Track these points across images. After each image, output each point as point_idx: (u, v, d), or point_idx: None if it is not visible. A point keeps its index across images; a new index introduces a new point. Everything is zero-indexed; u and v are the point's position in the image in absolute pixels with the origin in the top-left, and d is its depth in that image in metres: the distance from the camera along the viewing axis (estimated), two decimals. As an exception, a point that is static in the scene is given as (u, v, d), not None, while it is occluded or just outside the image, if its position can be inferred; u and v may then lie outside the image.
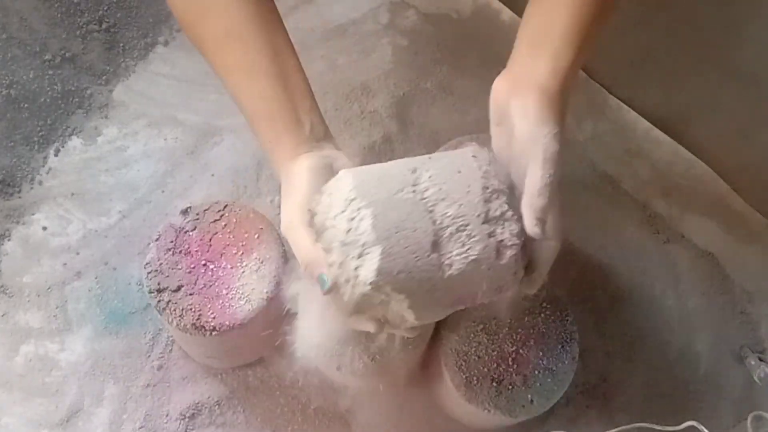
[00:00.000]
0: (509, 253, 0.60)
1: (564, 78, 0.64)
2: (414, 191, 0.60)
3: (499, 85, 0.67)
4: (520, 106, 0.63)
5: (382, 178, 0.62)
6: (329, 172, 0.66)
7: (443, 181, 0.61)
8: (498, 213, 0.61)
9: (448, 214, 0.60)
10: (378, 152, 1.04)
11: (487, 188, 0.61)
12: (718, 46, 0.95)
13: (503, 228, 0.61)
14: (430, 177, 0.61)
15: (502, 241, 0.60)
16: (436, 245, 0.59)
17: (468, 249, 0.60)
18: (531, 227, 0.60)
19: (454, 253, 0.60)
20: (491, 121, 0.69)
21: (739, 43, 0.93)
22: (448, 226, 0.60)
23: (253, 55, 0.67)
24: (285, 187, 0.66)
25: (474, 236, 0.60)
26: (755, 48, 0.92)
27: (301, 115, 0.68)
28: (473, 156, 0.63)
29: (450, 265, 0.59)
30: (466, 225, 0.60)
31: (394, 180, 0.62)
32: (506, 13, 1.15)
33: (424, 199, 0.60)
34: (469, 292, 0.61)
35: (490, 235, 0.60)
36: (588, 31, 0.65)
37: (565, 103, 0.64)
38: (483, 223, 0.60)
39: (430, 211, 0.60)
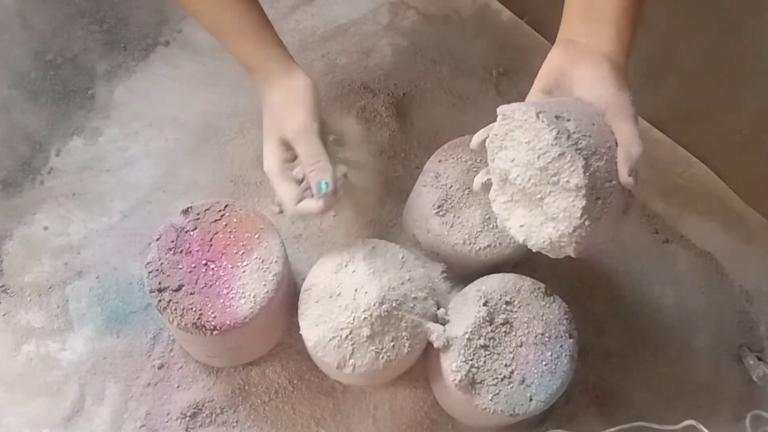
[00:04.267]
0: (630, 212, 0.69)
1: (628, 52, 0.70)
2: (569, 142, 0.64)
3: (556, 56, 0.71)
4: (593, 74, 0.68)
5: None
6: (314, 87, 0.81)
7: (588, 133, 0.65)
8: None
9: (600, 167, 0.65)
10: (378, 152, 1.05)
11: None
12: (717, 46, 0.95)
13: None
14: (576, 127, 0.65)
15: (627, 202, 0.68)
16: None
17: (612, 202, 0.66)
18: (625, 177, 0.65)
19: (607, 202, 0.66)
20: (536, 88, 0.72)
21: (739, 43, 0.93)
22: (600, 179, 0.65)
23: None
24: (284, 96, 0.79)
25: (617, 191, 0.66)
26: (755, 48, 0.92)
27: (276, 36, 0.83)
28: (580, 105, 0.68)
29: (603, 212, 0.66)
30: (612, 180, 0.65)
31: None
32: (506, 13, 1.15)
33: (579, 149, 0.64)
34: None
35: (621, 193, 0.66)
36: (637, 10, 0.69)
37: (628, 74, 0.70)
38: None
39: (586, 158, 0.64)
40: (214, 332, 0.80)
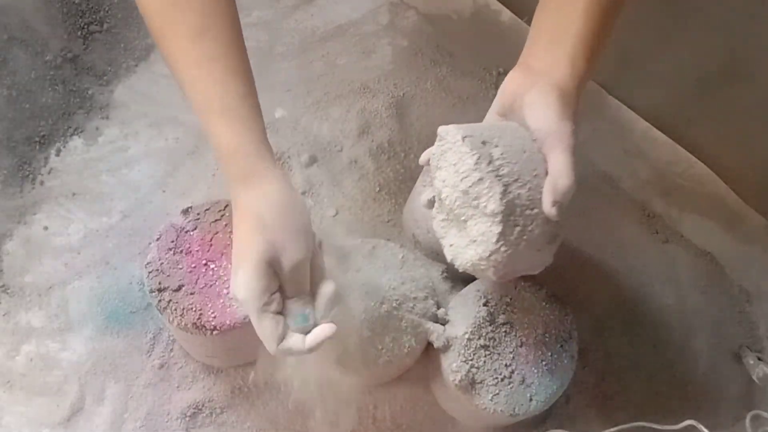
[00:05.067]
0: (559, 240, 0.69)
1: (580, 81, 0.68)
2: (489, 168, 0.65)
3: (513, 80, 0.70)
4: (540, 102, 0.66)
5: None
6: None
7: (515, 160, 0.65)
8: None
9: (521, 195, 0.65)
10: (378, 152, 1.05)
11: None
12: (717, 46, 0.95)
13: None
14: (502, 154, 0.65)
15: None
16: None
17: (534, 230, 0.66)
18: (548, 208, 0.65)
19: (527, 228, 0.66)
20: (493, 109, 0.72)
21: (739, 43, 0.93)
22: (519, 206, 0.65)
23: (234, 52, 0.67)
24: (279, 212, 0.65)
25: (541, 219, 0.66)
26: (755, 48, 0.92)
27: (264, 129, 0.68)
28: (519, 135, 0.68)
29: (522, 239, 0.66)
30: (534, 208, 0.66)
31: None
32: (506, 14, 1.15)
33: (500, 176, 0.64)
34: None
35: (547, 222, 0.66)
36: (603, 30, 0.68)
37: (578, 103, 0.68)
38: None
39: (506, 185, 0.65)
40: (214, 332, 0.80)
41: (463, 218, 0.68)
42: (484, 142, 0.65)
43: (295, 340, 0.65)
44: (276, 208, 0.65)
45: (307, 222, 0.66)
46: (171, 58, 0.67)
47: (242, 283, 0.64)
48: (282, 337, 0.65)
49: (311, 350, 0.65)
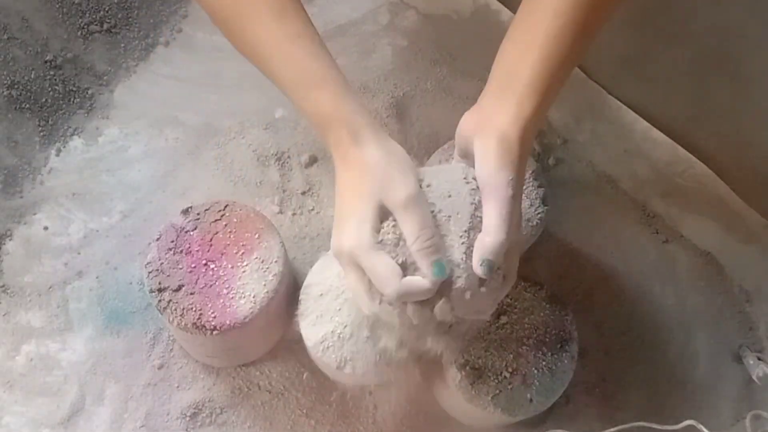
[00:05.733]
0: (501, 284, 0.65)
1: (525, 126, 0.65)
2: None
3: (466, 121, 0.68)
4: (481, 147, 0.64)
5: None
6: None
7: (438, 207, 0.64)
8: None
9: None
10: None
11: (476, 217, 0.64)
12: (717, 47, 0.95)
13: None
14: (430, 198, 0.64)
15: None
16: None
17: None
18: (476, 266, 0.62)
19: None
20: (456, 152, 0.70)
21: (739, 43, 0.93)
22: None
23: (311, 29, 0.70)
24: (385, 155, 0.64)
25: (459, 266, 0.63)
26: (755, 48, 0.92)
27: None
28: (464, 179, 0.66)
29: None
30: (451, 254, 0.63)
31: None
32: (506, 14, 1.15)
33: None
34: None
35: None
36: (556, 75, 0.66)
37: (525, 149, 0.65)
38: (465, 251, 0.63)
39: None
40: (214, 332, 0.80)
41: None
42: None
43: (417, 277, 0.61)
44: (380, 153, 0.64)
45: (413, 166, 0.65)
46: (255, 39, 0.68)
47: (348, 229, 0.62)
48: (402, 275, 0.60)
49: (432, 293, 0.61)
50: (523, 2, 0.69)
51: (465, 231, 0.63)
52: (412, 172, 0.64)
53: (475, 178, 0.65)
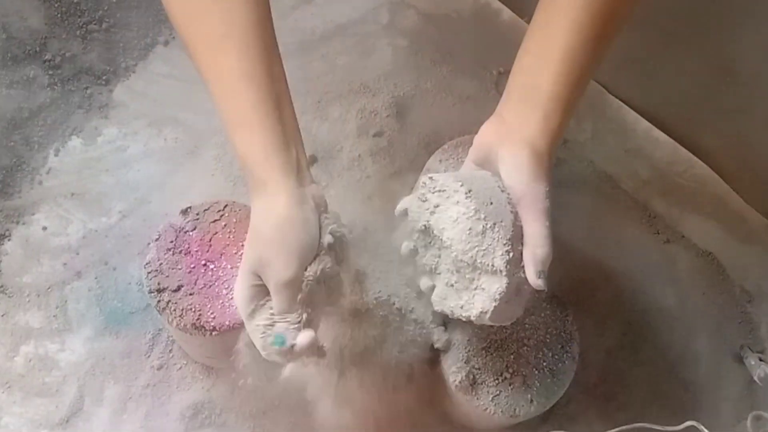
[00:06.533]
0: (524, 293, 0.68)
1: (553, 139, 0.66)
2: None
3: (487, 131, 0.69)
4: (511, 159, 0.66)
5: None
6: (316, 215, 0.66)
7: (483, 214, 0.65)
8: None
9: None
10: (378, 152, 1.04)
11: (516, 226, 0.66)
12: (718, 46, 0.95)
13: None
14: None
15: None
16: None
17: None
18: (534, 279, 0.64)
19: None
20: (469, 158, 0.71)
21: (739, 43, 0.93)
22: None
23: (250, 65, 0.65)
24: (270, 219, 0.65)
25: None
26: (755, 48, 0.92)
27: (289, 138, 0.66)
28: (499, 187, 0.67)
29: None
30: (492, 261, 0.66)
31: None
32: (506, 13, 1.15)
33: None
34: None
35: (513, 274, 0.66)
36: (578, 86, 0.67)
37: (552, 161, 0.67)
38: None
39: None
40: (214, 333, 0.79)
41: (459, 272, 0.68)
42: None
43: (277, 351, 0.66)
44: (272, 223, 0.64)
45: (308, 242, 0.65)
46: (197, 68, 0.67)
47: (236, 288, 0.69)
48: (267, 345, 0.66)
49: (287, 362, 0.68)
50: (538, 12, 0.69)
51: (509, 239, 0.65)
52: (296, 252, 0.64)
53: (504, 189, 0.67)
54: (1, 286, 0.95)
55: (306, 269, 0.65)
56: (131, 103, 1.07)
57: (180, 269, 0.81)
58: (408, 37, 1.14)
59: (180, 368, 0.93)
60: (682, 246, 1.05)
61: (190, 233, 0.83)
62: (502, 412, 0.79)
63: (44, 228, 0.99)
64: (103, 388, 0.91)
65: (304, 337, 0.65)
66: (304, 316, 0.66)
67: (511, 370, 0.80)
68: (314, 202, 0.67)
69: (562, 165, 1.07)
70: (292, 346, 0.65)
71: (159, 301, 0.80)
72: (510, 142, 0.66)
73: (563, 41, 0.66)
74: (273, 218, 0.64)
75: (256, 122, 0.65)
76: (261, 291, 0.66)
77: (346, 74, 1.10)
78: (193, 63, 0.68)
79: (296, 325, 0.65)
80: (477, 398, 0.79)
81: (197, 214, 0.84)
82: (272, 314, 0.66)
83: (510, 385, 0.80)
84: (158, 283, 0.80)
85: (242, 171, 0.68)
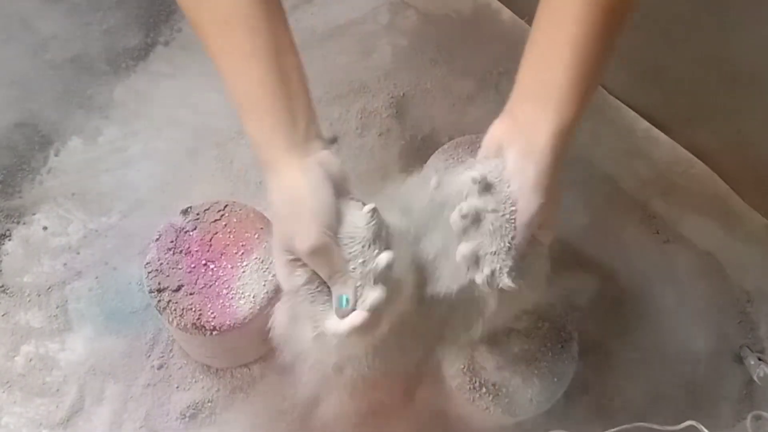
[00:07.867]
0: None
1: (564, 139, 0.66)
2: None
3: (498, 128, 0.69)
4: (516, 162, 0.66)
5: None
6: (326, 179, 0.65)
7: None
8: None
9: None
10: (378, 152, 1.04)
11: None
12: (717, 47, 0.95)
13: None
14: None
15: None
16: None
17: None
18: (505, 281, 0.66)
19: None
20: (480, 153, 0.71)
21: (739, 43, 0.93)
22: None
23: (254, 42, 0.66)
24: (280, 195, 0.65)
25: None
26: (755, 48, 0.92)
27: (296, 112, 0.67)
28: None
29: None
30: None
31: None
32: (506, 13, 1.15)
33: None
34: None
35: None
36: (589, 86, 0.67)
37: (560, 160, 0.67)
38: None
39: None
40: (214, 332, 0.79)
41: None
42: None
43: (330, 324, 0.64)
44: (282, 199, 0.65)
45: (319, 208, 0.64)
46: (204, 49, 0.68)
47: (275, 268, 0.67)
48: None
49: (344, 336, 0.64)
50: (540, 10, 0.69)
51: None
52: (314, 218, 0.63)
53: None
54: (2, 286, 0.95)
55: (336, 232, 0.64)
56: (131, 103, 1.07)
57: (180, 269, 0.81)
58: (408, 37, 1.14)
59: (180, 368, 0.93)
60: (682, 246, 1.05)
61: (191, 233, 0.83)
62: (502, 412, 0.79)
63: (45, 228, 0.99)
64: (104, 387, 0.92)
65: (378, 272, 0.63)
66: (359, 271, 0.64)
67: (511, 370, 0.80)
68: (324, 168, 0.66)
69: (562, 165, 1.07)
70: (353, 309, 0.63)
71: (159, 301, 0.80)
72: (518, 146, 0.66)
73: (569, 40, 0.66)
74: (281, 195, 0.65)
75: (261, 101, 0.66)
76: (296, 263, 0.65)
77: (346, 74, 1.10)
78: (202, 46, 0.68)
79: (350, 283, 0.64)
80: (477, 398, 0.79)
81: (197, 214, 0.84)
82: (320, 285, 0.65)
83: (510, 385, 0.80)
84: (158, 283, 0.80)
85: (252, 150, 0.68)
